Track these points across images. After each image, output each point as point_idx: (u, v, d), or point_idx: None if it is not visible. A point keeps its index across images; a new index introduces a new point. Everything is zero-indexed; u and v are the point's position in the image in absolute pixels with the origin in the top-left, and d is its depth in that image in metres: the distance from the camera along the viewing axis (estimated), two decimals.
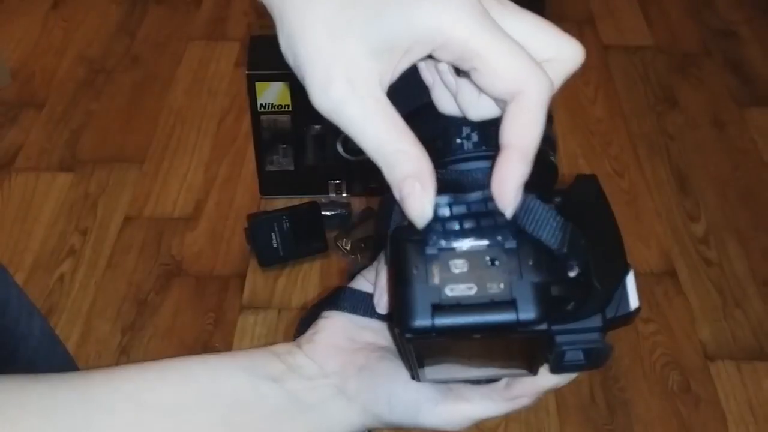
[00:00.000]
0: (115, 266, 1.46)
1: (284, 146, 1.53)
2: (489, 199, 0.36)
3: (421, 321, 0.35)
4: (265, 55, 1.46)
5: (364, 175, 1.56)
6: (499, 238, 0.36)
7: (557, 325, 0.37)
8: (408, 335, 0.36)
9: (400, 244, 0.37)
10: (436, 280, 0.35)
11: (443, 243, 0.36)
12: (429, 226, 0.36)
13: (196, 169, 1.66)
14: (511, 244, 0.36)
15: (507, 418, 1.24)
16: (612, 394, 1.28)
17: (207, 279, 1.45)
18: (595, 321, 0.38)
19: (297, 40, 0.35)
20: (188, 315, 1.39)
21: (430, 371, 0.41)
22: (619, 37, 2.02)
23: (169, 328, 1.37)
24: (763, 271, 1.47)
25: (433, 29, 0.33)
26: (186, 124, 1.76)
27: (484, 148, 0.38)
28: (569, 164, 1.67)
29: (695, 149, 1.72)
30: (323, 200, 1.54)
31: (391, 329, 0.45)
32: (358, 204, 1.57)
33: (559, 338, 0.38)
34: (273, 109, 1.49)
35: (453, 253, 0.36)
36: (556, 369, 0.40)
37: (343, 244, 1.48)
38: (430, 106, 0.39)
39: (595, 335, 0.38)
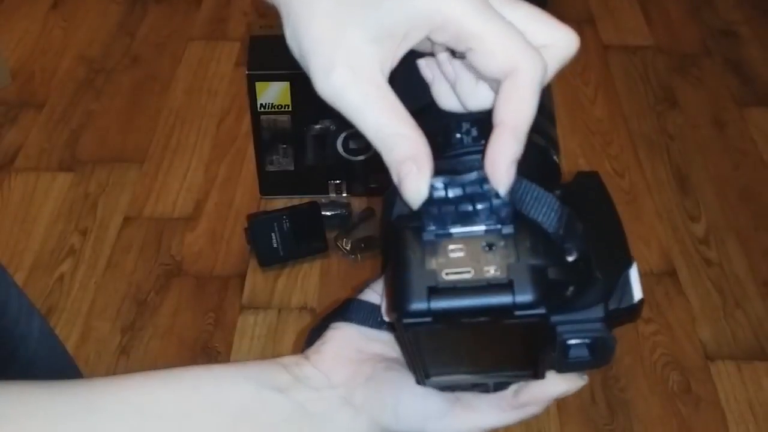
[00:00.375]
0: (115, 266, 1.46)
1: (284, 146, 1.53)
2: (484, 179, 0.36)
3: (417, 304, 0.35)
4: (265, 55, 1.46)
5: (364, 175, 1.56)
6: (496, 221, 0.36)
7: (558, 316, 0.37)
8: (405, 320, 0.35)
9: (398, 231, 0.37)
10: (433, 265, 0.35)
11: (440, 228, 0.36)
12: (426, 212, 0.36)
13: (196, 169, 1.65)
14: (507, 227, 0.36)
15: None
16: (612, 394, 1.28)
17: (207, 279, 1.45)
18: (597, 311, 0.38)
19: (301, 31, 0.36)
20: (188, 315, 1.39)
21: (435, 375, 0.41)
22: (619, 37, 2.02)
23: (169, 328, 1.37)
24: (763, 271, 1.47)
25: (430, 11, 0.35)
26: (186, 124, 1.76)
27: (482, 142, 0.38)
28: (569, 164, 1.67)
29: (695, 149, 1.72)
30: (323, 200, 1.54)
31: (394, 332, 0.45)
32: (358, 204, 1.57)
33: (560, 328, 0.38)
34: (273, 109, 1.49)
35: (450, 238, 0.36)
36: (562, 367, 0.40)
37: (343, 244, 1.48)
38: (431, 106, 0.40)
39: (597, 325, 0.38)
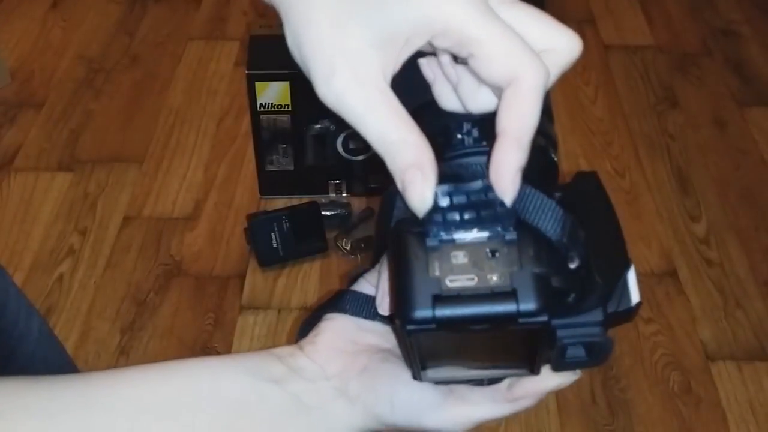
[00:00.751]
0: (115, 266, 1.46)
1: (284, 146, 1.53)
2: (488, 188, 0.36)
3: (422, 312, 0.35)
4: (265, 55, 1.46)
5: (364, 175, 1.55)
6: (500, 229, 0.36)
7: (558, 320, 0.37)
8: (409, 327, 0.36)
9: (401, 236, 0.37)
10: (437, 272, 0.36)
11: (444, 235, 0.36)
12: (429, 218, 0.36)
13: (195, 168, 1.65)
14: (511, 235, 0.36)
15: (507, 419, 1.24)
16: (613, 395, 1.28)
17: (206, 279, 1.45)
18: (596, 315, 0.38)
19: (302, 35, 0.35)
20: (188, 315, 1.39)
21: (432, 371, 0.41)
22: (620, 37, 2.02)
23: (169, 329, 1.37)
24: (763, 271, 1.47)
25: (432, 16, 0.34)
26: (185, 123, 1.76)
27: (484, 143, 0.38)
28: (570, 164, 1.67)
29: (696, 149, 1.72)
30: (323, 200, 1.54)
31: (392, 326, 0.45)
32: (358, 204, 1.57)
33: (560, 332, 0.38)
34: (273, 109, 1.48)
35: (453, 244, 0.36)
36: (558, 366, 0.40)
37: (343, 244, 1.48)
38: (431, 104, 0.40)
39: (596, 329, 0.38)
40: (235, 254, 1.49)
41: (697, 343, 1.36)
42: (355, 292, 0.47)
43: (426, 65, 0.39)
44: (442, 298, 0.35)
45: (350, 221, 1.53)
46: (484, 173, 0.36)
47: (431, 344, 0.38)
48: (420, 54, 0.39)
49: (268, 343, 1.35)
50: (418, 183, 0.35)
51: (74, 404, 0.41)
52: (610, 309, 0.39)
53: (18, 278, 1.42)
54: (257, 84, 1.46)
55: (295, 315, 1.39)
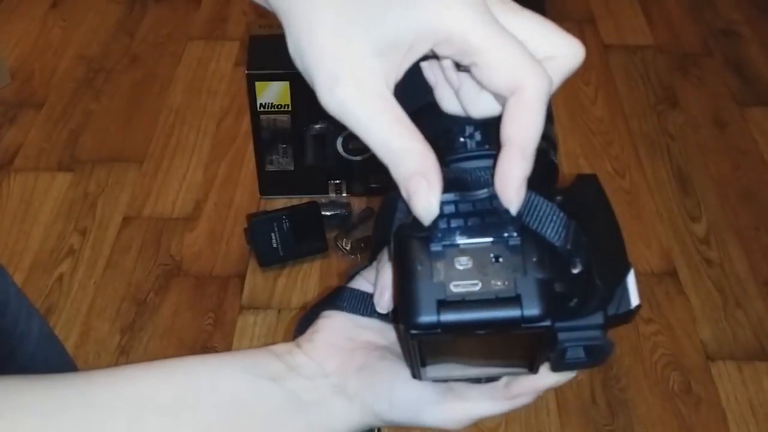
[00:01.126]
0: (115, 266, 1.46)
1: (284, 146, 1.53)
2: (494, 197, 0.36)
3: (427, 317, 0.35)
4: (265, 55, 1.45)
5: (364, 175, 1.55)
6: (503, 234, 0.36)
7: (559, 323, 0.37)
8: (413, 331, 0.36)
9: (405, 240, 0.37)
10: (441, 277, 0.36)
11: (447, 240, 0.36)
12: (434, 224, 0.36)
13: (195, 169, 1.65)
14: (515, 240, 0.36)
15: (507, 418, 1.24)
16: (613, 395, 1.28)
17: (206, 279, 1.44)
18: (597, 318, 0.38)
19: (304, 43, 0.35)
20: (188, 315, 1.39)
21: (432, 369, 0.41)
22: (620, 37, 2.02)
23: (169, 329, 1.37)
24: (764, 271, 1.47)
25: (435, 24, 0.34)
26: (185, 123, 1.75)
27: (486, 146, 0.38)
28: (570, 164, 1.67)
29: (696, 149, 1.72)
30: (323, 200, 1.54)
31: (395, 326, 0.45)
32: (358, 204, 1.57)
33: (561, 335, 0.38)
34: (273, 109, 1.48)
35: (457, 249, 0.36)
36: (557, 367, 0.40)
37: (343, 244, 1.48)
38: (433, 105, 0.40)
39: (596, 332, 0.38)
40: (235, 254, 1.49)
41: (697, 343, 1.36)
42: (353, 290, 0.47)
43: (428, 68, 0.39)
44: (446, 303, 0.35)
45: (350, 221, 1.53)
46: (489, 181, 0.36)
47: (432, 345, 0.39)
48: (422, 57, 0.39)
49: (268, 343, 1.35)
50: (423, 191, 0.35)
51: (74, 403, 0.41)
52: (610, 312, 0.39)
53: (18, 278, 1.42)
54: (257, 84, 1.46)
55: (295, 315, 1.39)
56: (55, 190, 1.60)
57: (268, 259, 1.45)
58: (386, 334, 0.47)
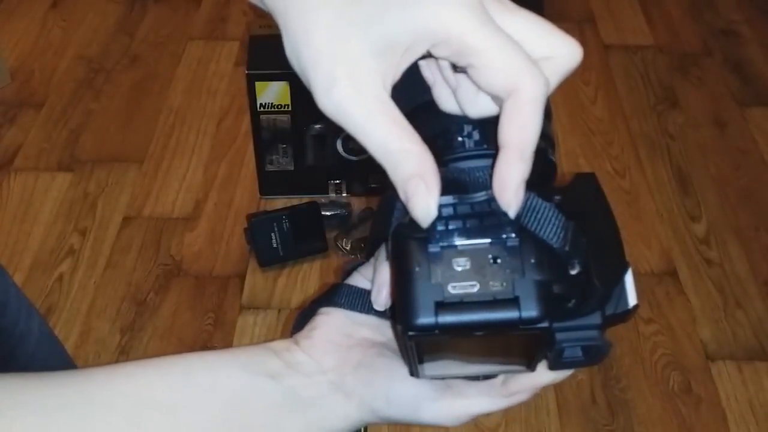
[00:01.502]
0: (115, 266, 1.46)
1: (284, 146, 1.53)
2: (492, 199, 0.36)
3: (425, 319, 0.35)
4: (265, 55, 1.46)
5: (364, 175, 1.55)
6: (501, 236, 0.36)
7: (557, 323, 0.37)
8: (411, 333, 0.36)
9: (403, 241, 0.37)
10: (439, 278, 0.36)
11: (445, 241, 0.36)
12: (432, 225, 0.36)
13: (195, 169, 1.65)
14: (513, 242, 0.36)
15: (507, 418, 1.24)
16: (613, 395, 1.28)
17: (206, 279, 1.44)
18: (595, 318, 0.39)
19: (301, 44, 0.35)
20: (188, 315, 1.39)
21: (429, 368, 0.41)
22: (620, 37, 2.02)
23: (169, 329, 1.37)
24: (764, 271, 1.47)
25: (431, 25, 0.34)
26: (185, 123, 1.75)
27: (485, 146, 0.38)
28: (569, 164, 1.67)
29: (696, 149, 1.72)
30: (323, 200, 1.54)
31: (393, 326, 0.45)
32: (358, 204, 1.57)
33: (559, 335, 0.38)
34: (273, 109, 1.48)
35: (455, 250, 0.36)
36: (555, 366, 0.41)
37: (343, 244, 1.48)
38: (431, 104, 0.39)
39: (594, 333, 0.39)
40: (235, 254, 1.49)
41: (697, 343, 1.36)
42: (350, 286, 0.48)
43: (426, 67, 0.39)
44: (444, 305, 0.35)
45: (350, 221, 1.53)
46: (487, 183, 0.36)
47: (430, 344, 0.39)
48: (420, 57, 0.39)
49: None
50: (422, 194, 0.35)
51: (73, 400, 0.41)
52: (608, 311, 0.39)
53: (18, 278, 1.42)
54: (257, 84, 1.46)
55: (295, 315, 1.39)
56: (55, 190, 1.60)
57: (268, 259, 1.45)
58: (383, 330, 0.47)
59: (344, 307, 0.47)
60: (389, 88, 0.35)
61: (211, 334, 1.36)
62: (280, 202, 1.53)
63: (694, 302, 1.42)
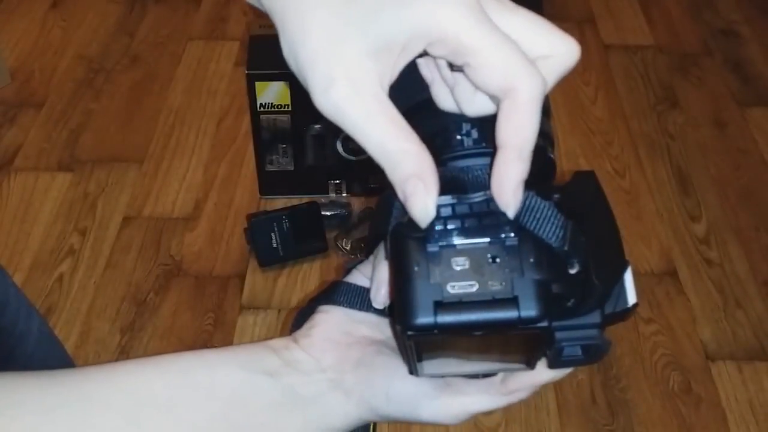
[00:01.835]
0: (115, 266, 1.46)
1: (284, 146, 1.53)
2: (491, 199, 0.36)
3: (424, 318, 0.35)
4: (265, 55, 1.46)
5: (364, 175, 1.55)
6: (500, 235, 0.36)
7: (557, 322, 0.37)
8: (410, 332, 0.36)
9: (401, 240, 0.37)
10: (438, 278, 0.36)
11: (444, 240, 0.36)
12: (430, 224, 0.36)
13: (195, 169, 1.65)
14: (512, 241, 0.36)
15: (507, 418, 1.24)
16: (613, 395, 1.28)
17: (206, 279, 1.44)
18: (594, 317, 0.39)
19: (298, 44, 0.35)
20: (188, 315, 1.39)
21: (428, 366, 0.41)
22: (620, 37, 2.02)
23: (169, 329, 1.37)
24: (764, 271, 1.47)
25: (428, 24, 0.34)
26: (185, 123, 1.75)
27: (483, 144, 0.38)
28: (569, 164, 1.67)
29: (696, 149, 1.72)
30: (323, 200, 1.54)
31: (392, 325, 0.45)
32: (358, 204, 1.57)
33: (558, 334, 0.38)
34: (273, 109, 1.48)
35: (454, 250, 0.36)
36: (554, 364, 0.41)
37: (343, 244, 1.48)
38: (429, 102, 0.39)
39: (594, 331, 0.39)
40: (235, 254, 1.49)
41: (697, 343, 1.36)
42: (349, 284, 0.48)
43: (424, 65, 0.39)
44: (443, 305, 0.35)
45: (350, 221, 1.53)
46: (486, 183, 0.36)
47: (429, 344, 0.39)
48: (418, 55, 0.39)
49: None
50: (420, 194, 0.35)
51: (71, 399, 0.41)
52: (608, 310, 0.39)
53: (18, 278, 1.42)
54: (257, 84, 1.46)
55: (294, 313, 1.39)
56: (55, 190, 1.60)
57: (268, 259, 1.45)
58: (382, 328, 0.47)
59: (343, 305, 0.47)
60: (387, 87, 0.35)
61: (211, 334, 1.36)
62: (280, 202, 1.53)
63: (694, 302, 1.42)
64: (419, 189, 0.35)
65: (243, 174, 1.64)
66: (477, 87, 0.36)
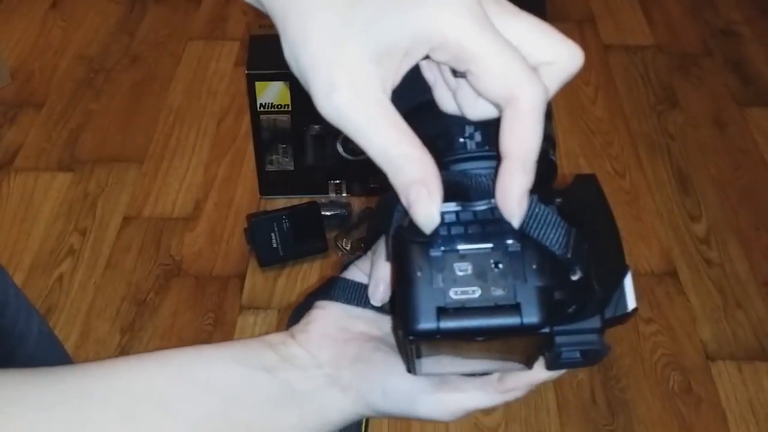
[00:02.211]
0: (115, 266, 1.46)
1: (284, 146, 1.53)
2: (495, 207, 0.36)
3: (426, 324, 0.35)
4: (265, 55, 1.46)
5: (364, 175, 1.55)
6: (503, 241, 0.36)
7: (557, 326, 0.38)
8: (412, 338, 0.36)
9: (404, 245, 0.37)
10: (441, 283, 0.36)
11: (447, 246, 0.36)
12: (435, 231, 0.36)
13: (195, 169, 1.65)
14: (514, 247, 0.36)
15: (507, 418, 1.24)
16: (613, 395, 1.28)
17: (206, 279, 1.44)
18: (594, 322, 0.39)
19: (299, 47, 0.35)
20: (188, 315, 1.39)
21: (427, 365, 0.41)
22: (620, 37, 2.02)
23: (169, 329, 1.37)
24: (764, 271, 1.47)
25: (430, 30, 0.34)
26: (185, 123, 1.75)
27: (486, 148, 0.38)
28: (570, 164, 1.67)
29: (696, 149, 1.72)
30: (323, 200, 1.54)
31: (394, 329, 0.45)
32: (358, 204, 1.57)
33: (558, 339, 0.38)
34: (273, 109, 1.48)
35: (457, 255, 0.36)
36: (552, 366, 0.41)
37: (343, 244, 1.48)
38: (431, 103, 0.39)
39: (593, 336, 0.39)
40: (235, 254, 1.49)
41: (697, 343, 1.36)
42: (346, 280, 0.48)
43: (427, 68, 0.39)
44: (446, 311, 0.35)
45: (350, 221, 1.53)
46: (490, 190, 0.36)
47: (429, 346, 0.39)
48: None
49: None
50: (424, 201, 0.35)
51: (70, 396, 0.41)
52: (607, 315, 0.39)
53: (18, 278, 1.42)
54: (257, 84, 1.46)
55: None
56: (55, 190, 1.60)
57: (268, 259, 1.45)
58: (380, 324, 0.47)
59: (340, 301, 0.47)
60: (389, 91, 0.35)
61: (211, 334, 1.36)
62: (280, 202, 1.53)
63: (694, 302, 1.42)
64: (423, 195, 0.35)
65: (243, 174, 1.64)
66: (479, 94, 0.35)
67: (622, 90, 1.86)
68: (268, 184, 1.58)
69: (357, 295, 0.47)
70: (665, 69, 1.92)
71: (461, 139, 0.38)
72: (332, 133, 1.50)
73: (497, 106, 0.35)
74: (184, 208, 1.57)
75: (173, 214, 1.56)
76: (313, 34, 0.35)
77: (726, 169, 1.67)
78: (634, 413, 1.26)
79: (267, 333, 1.39)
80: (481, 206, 0.36)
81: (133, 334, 1.36)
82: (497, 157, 0.36)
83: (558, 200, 0.37)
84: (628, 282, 0.40)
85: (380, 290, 0.44)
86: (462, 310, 0.35)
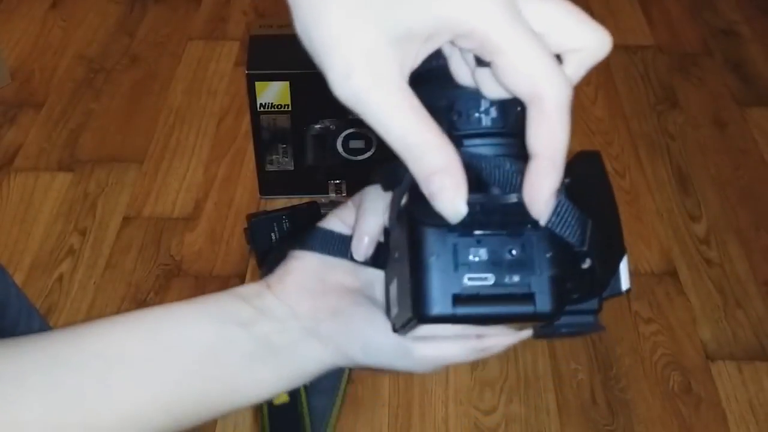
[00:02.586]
0: (115, 266, 1.46)
1: (284, 146, 1.53)
2: (522, 202, 0.35)
3: (441, 309, 0.36)
4: (265, 55, 1.45)
5: (364, 175, 1.55)
6: (519, 228, 0.36)
7: None
8: (426, 323, 0.37)
9: (420, 228, 0.37)
10: (456, 269, 0.36)
11: (464, 231, 0.36)
12: None
13: (195, 169, 1.65)
14: (530, 235, 0.36)
15: (507, 418, 1.24)
16: (613, 395, 1.28)
17: (206, 279, 1.44)
18: (592, 304, 0.40)
19: (312, 25, 0.33)
20: None
21: (417, 330, 0.41)
22: (620, 37, 2.02)
23: None
24: (764, 271, 1.47)
25: (456, 17, 0.32)
26: (185, 123, 1.75)
27: (502, 125, 0.37)
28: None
29: (696, 149, 1.72)
30: (323, 200, 1.54)
31: (386, 286, 0.45)
32: None
33: (557, 320, 0.39)
34: (273, 109, 1.48)
35: (473, 241, 0.36)
36: (542, 338, 0.42)
37: None
38: (443, 69, 0.37)
39: (590, 317, 0.40)
40: (235, 254, 1.49)
41: (697, 343, 1.36)
42: (325, 230, 0.47)
43: None
44: (461, 298, 0.36)
45: None
46: (517, 184, 0.35)
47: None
48: None
49: None
50: (450, 192, 0.33)
51: (42, 363, 0.41)
52: (603, 295, 0.40)
53: (18, 278, 1.42)
54: (257, 84, 1.45)
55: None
56: (55, 190, 1.60)
57: None
58: (358, 274, 0.46)
59: (318, 251, 0.46)
60: (407, 75, 0.34)
61: None
62: (280, 202, 1.53)
63: (694, 302, 1.42)
64: (447, 185, 0.33)
65: (243, 174, 1.64)
66: (502, 86, 0.34)
67: (622, 90, 1.86)
68: (268, 184, 1.58)
69: (337, 247, 0.46)
70: (665, 69, 1.92)
71: (477, 114, 0.37)
72: (338, 127, 1.49)
73: (521, 98, 0.34)
74: (184, 208, 1.57)
75: (173, 214, 1.56)
76: (328, 12, 0.33)
77: (726, 169, 1.67)
78: (634, 413, 1.26)
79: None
80: (507, 200, 0.36)
81: None
82: (512, 134, 0.35)
83: (567, 180, 0.37)
84: (624, 264, 0.41)
85: (364, 244, 0.44)
86: (477, 297, 0.36)
